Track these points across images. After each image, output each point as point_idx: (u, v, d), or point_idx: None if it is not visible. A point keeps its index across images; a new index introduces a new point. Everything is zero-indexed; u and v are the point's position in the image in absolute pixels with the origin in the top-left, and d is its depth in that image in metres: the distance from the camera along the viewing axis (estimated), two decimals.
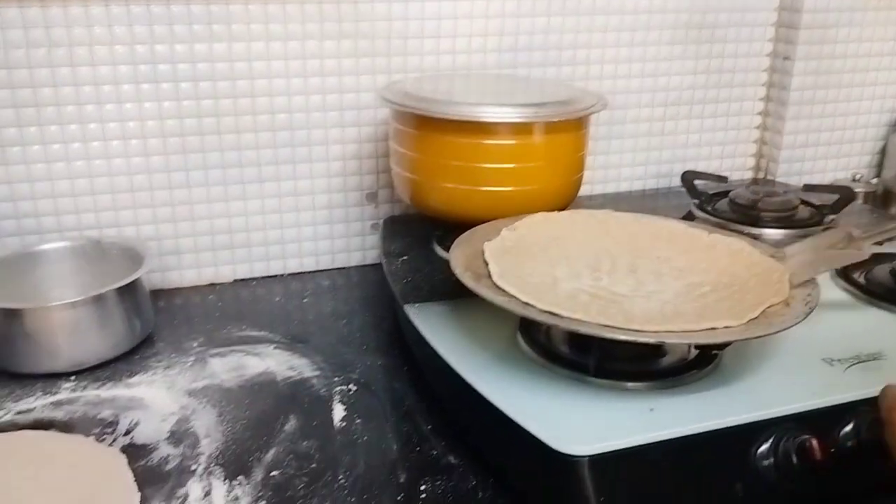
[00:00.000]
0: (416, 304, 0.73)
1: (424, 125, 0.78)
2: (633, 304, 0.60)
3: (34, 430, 0.66)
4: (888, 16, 1.09)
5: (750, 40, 1.08)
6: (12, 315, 0.72)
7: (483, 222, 0.75)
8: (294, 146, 0.93)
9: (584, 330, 0.55)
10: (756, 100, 1.13)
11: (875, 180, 1.14)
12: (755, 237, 0.83)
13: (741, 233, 0.87)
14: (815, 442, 0.54)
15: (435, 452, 0.64)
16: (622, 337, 0.54)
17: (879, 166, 1.17)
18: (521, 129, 0.76)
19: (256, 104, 0.90)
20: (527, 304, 0.58)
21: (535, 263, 0.66)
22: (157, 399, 0.71)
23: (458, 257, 0.67)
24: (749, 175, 1.17)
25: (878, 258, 0.83)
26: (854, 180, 1.12)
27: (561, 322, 0.56)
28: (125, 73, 0.85)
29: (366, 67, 0.92)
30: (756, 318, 0.57)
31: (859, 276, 0.80)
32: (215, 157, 0.91)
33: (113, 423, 0.67)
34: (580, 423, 0.55)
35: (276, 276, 0.98)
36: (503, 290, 0.60)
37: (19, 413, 0.69)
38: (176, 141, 0.88)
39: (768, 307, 0.59)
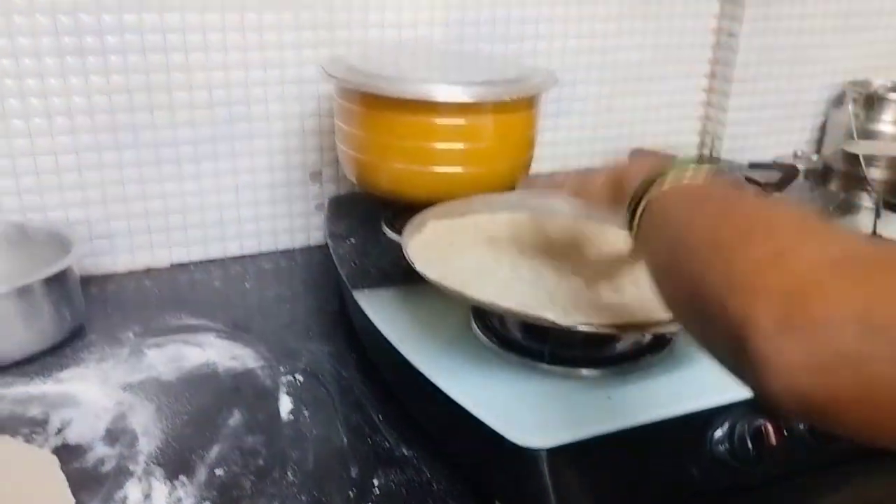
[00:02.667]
0: (365, 290, 0.71)
1: (371, 103, 0.75)
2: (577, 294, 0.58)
3: None
4: None
5: (696, 16, 1.08)
6: None
7: (431, 202, 0.73)
8: (233, 122, 0.88)
9: (532, 321, 0.54)
10: (701, 76, 1.13)
11: (815, 157, 1.15)
12: None
13: None
14: (769, 426, 0.54)
15: (387, 444, 0.62)
16: (582, 328, 0.52)
17: (820, 142, 1.19)
18: (471, 108, 0.74)
19: (192, 79, 0.85)
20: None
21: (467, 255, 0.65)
22: (90, 395, 0.67)
23: (410, 244, 0.65)
24: (694, 152, 1.17)
25: None
26: (796, 156, 1.13)
27: (515, 311, 0.54)
28: (47, 45, 0.79)
29: (308, 40, 0.88)
30: None
31: None
32: (148, 135, 0.86)
33: (43, 422, 0.63)
34: (538, 413, 0.54)
35: (215, 259, 0.94)
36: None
37: None
38: (105, 118, 0.83)
39: None
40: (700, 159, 0.45)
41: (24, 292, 0.70)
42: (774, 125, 1.16)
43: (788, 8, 1.08)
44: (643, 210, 0.46)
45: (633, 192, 0.47)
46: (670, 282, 0.41)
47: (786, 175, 0.96)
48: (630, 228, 0.47)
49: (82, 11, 0.78)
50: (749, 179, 0.97)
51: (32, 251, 0.78)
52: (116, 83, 0.82)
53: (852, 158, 1.04)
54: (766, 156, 1.16)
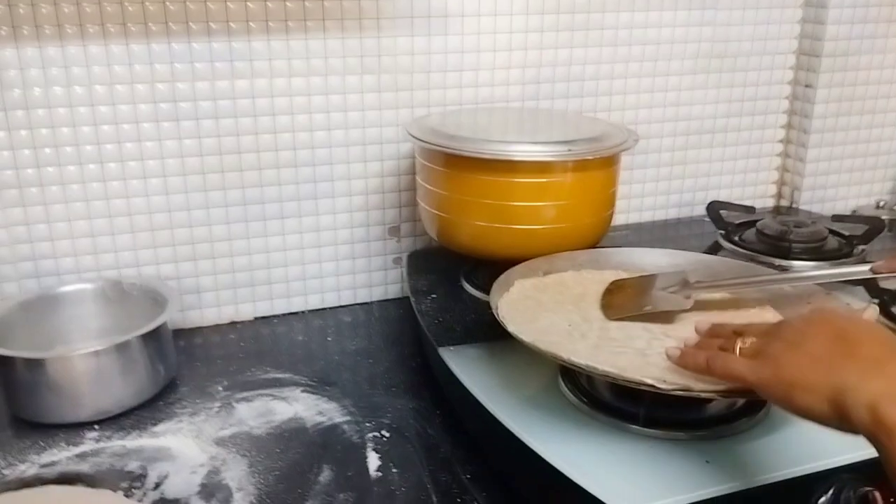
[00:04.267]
0: (451, 347, 0.71)
1: (453, 163, 0.76)
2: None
3: (61, 486, 0.64)
4: None
5: (771, 68, 1.08)
6: (34, 364, 0.70)
7: (512, 258, 0.73)
8: (316, 182, 0.91)
9: (634, 385, 0.53)
10: (778, 127, 1.12)
11: None
12: (785, 269, 0.82)
13: (771, 265, 0.86)
14: (877, 494, 0.52)
15: (476, 503, 0.62)
16: (682, 393, 0.52)
17: None
18: (552, 167, 0.75)
19: (279, 140, 0.88)
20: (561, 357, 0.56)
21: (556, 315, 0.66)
22: (184, 449, 0.69)
23: (500, 303, 0.65)
24: (771, 203, 1.16)
25: None
26: (878, 207, 1.11)
27: (614, 375, 0.54)
28: (145, 112, 0.83)
29: (388, 102, 0.91)
30: None
31: None
32: (236, 195, 0.89)
33: (141, 477, 0.65)
34: (633, 476, 0.53)
35: (297, 312, 0.96)
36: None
37: (44, 466, 0.66)
38: (196, 179, 0.87)
39: None
40: None
41: (122, 348, 0.72)
42: (854, 175, 1.14)
43: (867, 58, 1.07)
44: None
45: None
46: None
47: (871, 228, 0.93)
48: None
49: (179, 81, 0.83)
50: (833, 232, 0.95)
51: (128, 306, 0.81)
52: (208, 146, 0.86)
53: None
54: (846, 206, 1.14)
